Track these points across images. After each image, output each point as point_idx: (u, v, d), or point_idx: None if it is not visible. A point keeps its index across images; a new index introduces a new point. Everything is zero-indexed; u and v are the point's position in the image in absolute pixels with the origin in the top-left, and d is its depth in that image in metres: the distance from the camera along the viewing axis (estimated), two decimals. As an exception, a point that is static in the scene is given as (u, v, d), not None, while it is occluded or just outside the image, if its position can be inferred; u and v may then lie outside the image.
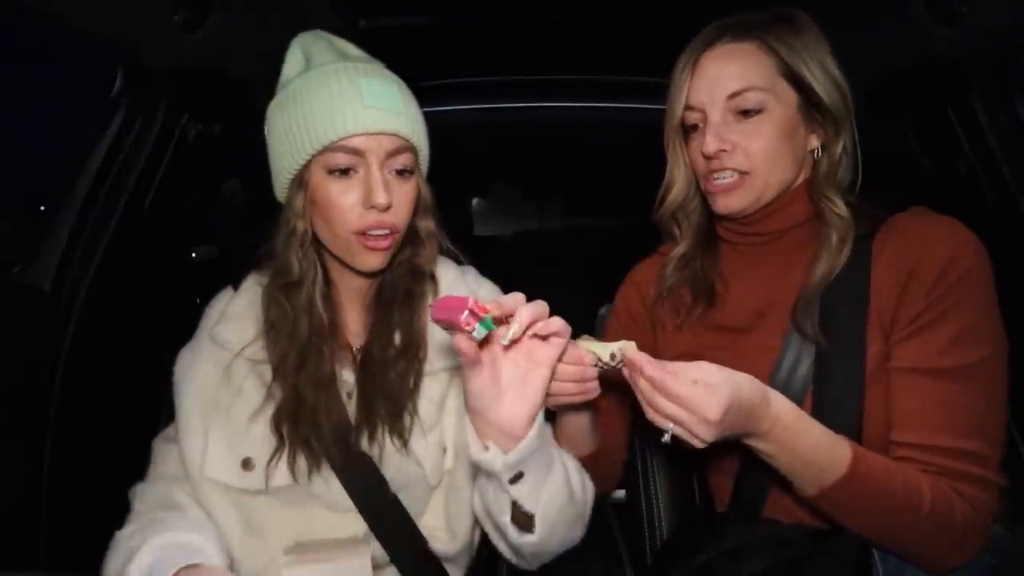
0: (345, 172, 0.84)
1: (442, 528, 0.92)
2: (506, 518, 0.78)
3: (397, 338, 0.91)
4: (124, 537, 0.83)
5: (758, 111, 0.87)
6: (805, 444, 0.76)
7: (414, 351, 0.91)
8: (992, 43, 1.10)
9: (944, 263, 0.80)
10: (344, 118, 0.82)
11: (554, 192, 3.78)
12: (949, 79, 1.20)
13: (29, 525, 1.20)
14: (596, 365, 0.77)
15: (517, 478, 0.74)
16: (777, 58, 0.87)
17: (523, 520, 0.78)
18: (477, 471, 0.80)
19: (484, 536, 0.91)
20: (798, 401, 0.83)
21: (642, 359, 0.72)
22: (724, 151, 0.88)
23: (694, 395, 0.69)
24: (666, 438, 0.72)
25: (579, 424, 0.93)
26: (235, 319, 0.93)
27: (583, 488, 0.85)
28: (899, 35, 1.21)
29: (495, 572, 1.04)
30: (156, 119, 1.29)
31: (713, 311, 0.98)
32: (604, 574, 1.04)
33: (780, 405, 0.76)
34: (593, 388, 0.79)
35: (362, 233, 0.85)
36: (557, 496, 0.78)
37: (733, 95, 0.87)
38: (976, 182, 1.24)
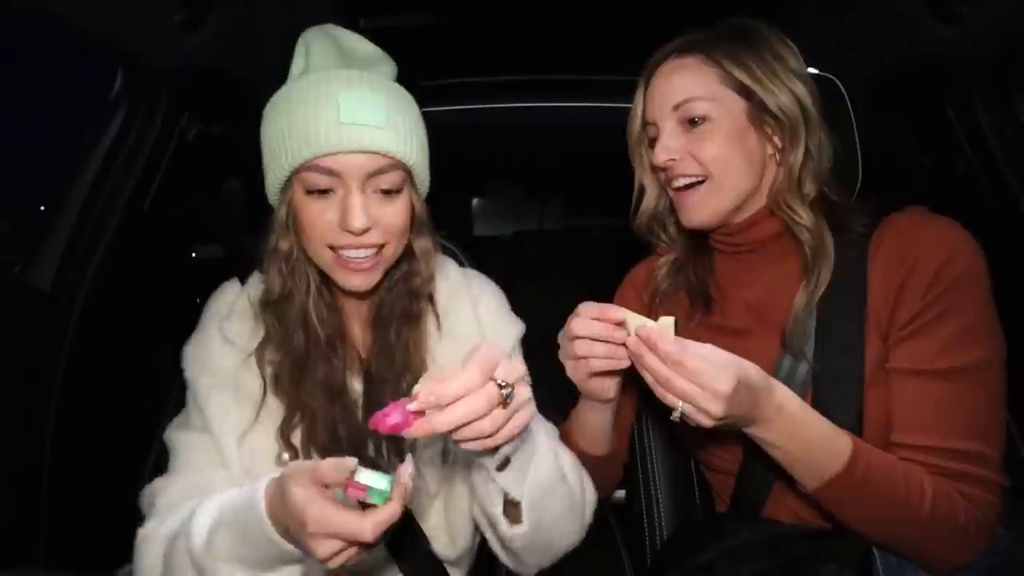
0: (324, 192, 0.81)
1: (443, 529, 0.92)
2: (498, 509, 0.77)
3: (397, 358, 0.90)
4: (152, 529, 0.79)
5: (704, 119, 0.89)
6: (808, 433, 0.76)
7: (415, 373, 0.90)
8: (992, 43, 1.10)
9: (941, 264, 0.80)
10: (318, 136, 0.79)
11: (554, 192, 3.77)
12: (949, 79, 1.20)
13: (29, 525, 1.20)
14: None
15: (504, 465, 0.74)
16: (719, 68, 0.89)
17: (512, 510, 0.77)
18: (470, 468, 0.80)
19: (484, 541, 0.91)
20: (798, 402, 0.83)
21: (657, 335, 0.73)
22: (673, 160, 0.90)
23: (705, 369, 0.70)
24: (675, 415, 0.73)
25: (601, 422, 0.95)
26: (244, 316, 0.91)
27: (580, 481, 0.84)
28: (899, 35, 1.21)
29: (495, 572, 1.04)
30: (156, 119, 1.29)
31: (711, 314, 0.99)
32: (604, 574, 1.04)
33: (784, 393, 0.76)
34: (624, 355, 0.80)
35: (334, 250, 0.82)
36: (543, 480, 0.77)
37: (677, 106, 0.90)
38: (976, 182, 1.24)
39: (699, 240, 1.02)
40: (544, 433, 0.82)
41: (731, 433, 0.91)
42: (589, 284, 1.13)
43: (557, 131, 2.34)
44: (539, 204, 3.79)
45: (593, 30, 1.66)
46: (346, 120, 0.79)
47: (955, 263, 0.80)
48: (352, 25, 1.47)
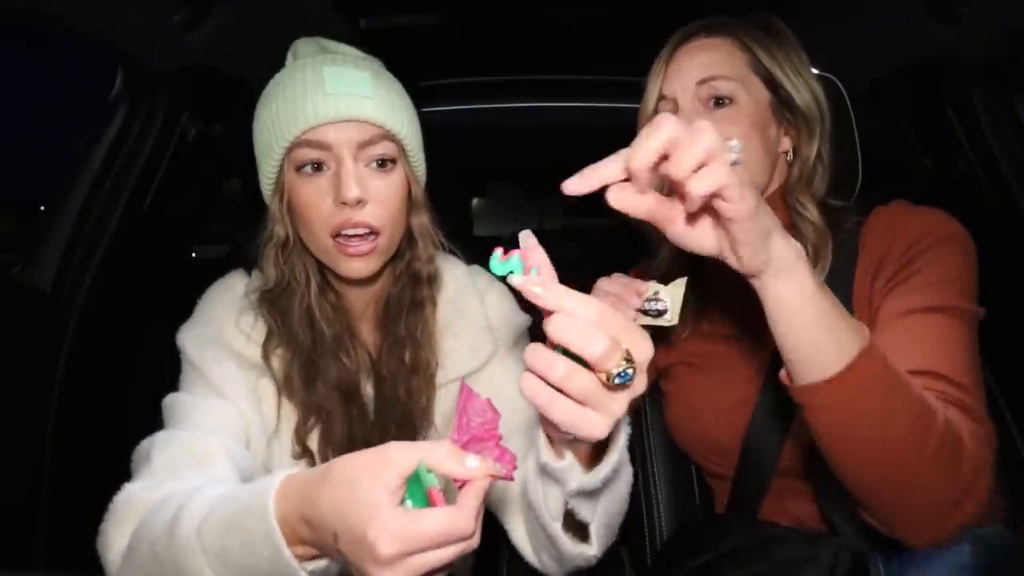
0: (317, 168, 0.80)
1: None
2: (557, 525, 0.69)
3: (407, 356, 0.89)
4: (140, 489, 0.67)
5: (729, 100, 0.86)
6: (827, 297, 0.64)
7: (425, 366, 0.89)
8: (992, 43, 1.10)
9: (918, 235, 0.81)
10: (305, 109, 0.78)
11: (554, 192, 3.76)
12: (949, 79, 1.20)
13: (29, 525, 1.20)
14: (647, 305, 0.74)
15: (593, 493, 0.66)
16: (750, 54, 0.88)
17: (577, 529, 0.70)
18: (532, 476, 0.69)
19: (485, 536, 0.90)
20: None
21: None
22: None
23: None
24: (733, 157, 0.61)
25: None
26: (254, 311, 0.88)
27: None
28: (899, 35, 1.21)
29: (495, 571, 1.04)
30: (156, 119, 1.29)
31: (703, 321, 0.99)
32: (604, 574, 1.04)
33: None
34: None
35: (337, 236, 0.80)
36: (619, 500, 0.70)
37: (702, 81, 0.87)
38: (976, 182, 1.24)
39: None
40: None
41: (728, 437, 0.91)
42: (588, 284, 1.13)
43: (557, 131, 2.35)
44: (538, 204, 3.79)
45: (593, 30, 1.66)
46: (331, 91, 0.79)
47: (933, 233, 0.81)
48: (352, 25, 1.47)
